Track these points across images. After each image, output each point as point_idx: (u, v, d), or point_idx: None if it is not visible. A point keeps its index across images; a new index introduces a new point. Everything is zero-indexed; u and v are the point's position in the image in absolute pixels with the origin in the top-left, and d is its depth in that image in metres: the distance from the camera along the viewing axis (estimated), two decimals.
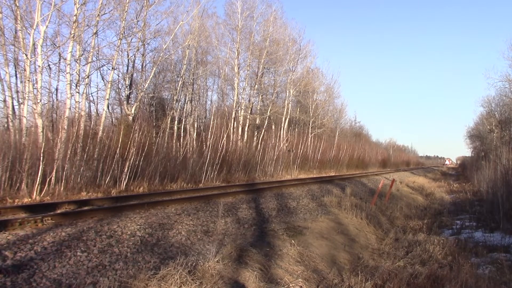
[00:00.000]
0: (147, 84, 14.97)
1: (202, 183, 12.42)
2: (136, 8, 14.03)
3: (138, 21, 13.86)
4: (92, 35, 11.71)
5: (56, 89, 12.93)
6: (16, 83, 11.92)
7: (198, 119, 20.44)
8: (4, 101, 11.62)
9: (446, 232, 9.91)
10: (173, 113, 16.64)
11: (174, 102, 17.29)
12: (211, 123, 14.84)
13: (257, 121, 22.13)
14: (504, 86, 26.89)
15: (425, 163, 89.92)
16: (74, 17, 10.71)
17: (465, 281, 5.13)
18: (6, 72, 11.60)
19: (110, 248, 4.72)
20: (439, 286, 5.19)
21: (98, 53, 12.64)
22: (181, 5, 18.51)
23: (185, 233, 5.88)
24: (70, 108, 10.60)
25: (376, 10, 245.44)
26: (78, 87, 11.38)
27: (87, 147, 9.53)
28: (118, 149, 10.03)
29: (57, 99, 12.88)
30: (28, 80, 9.91)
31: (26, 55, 9.99)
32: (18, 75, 11.94)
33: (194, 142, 15.92)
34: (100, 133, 11.23)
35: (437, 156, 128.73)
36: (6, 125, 11.17)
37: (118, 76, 14.96)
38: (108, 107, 13.87)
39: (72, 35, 10.65)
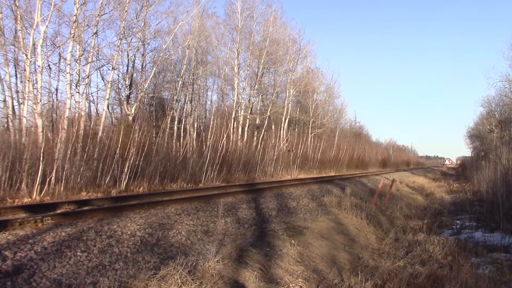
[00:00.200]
0: (147, 84, 14.97)
1: (202, 183, 12.42)
2: (136, 8, 14.05)
3: (138, 21, 13.87)
4: (92, 35, 11.71)
5: (56, 89, 12.96)
6: (16, 83, 11.95)
7: (198, 119, 20.45)
8: (4, 101, 11.62)
9: (446, 232, 9.91)
10: (173, 113, 16.64)
11: (174, 102, 17.30)
12: (211, 123, 14.84)
13: (257, 121, 22.13)
14: (504, 86, 26.92)
15: (425, 163, 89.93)
16: (74, 17, 10.71)
17: (465, 281, 5.13)
18: (6, 72, 11.62)
19: (110, 248, 4.72)
20: (439, 286, 5.19)
21: (98, 53, 12.66)
22: (181, 5, 18.60)
23: (185, 233, 5.88)
24: (70, 108, 10.59)
25: (376, 10, 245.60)
26: (78, 87, 11.39)
27: (87, 147, 9.53)
28: (118, 149, 10.03)
29: (57, 99, 12.90)
30: (28, 80, 9.91)
31: (26, 55, 9.99)
32: (18, 75, 11.96)
33: (194, 142, 15.92)
34: (100, 133, 11.23)
35: (437, 156, 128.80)
36: (6, 125, 11.17)
37: (118, 76, 14.99)
38: (108, 107, 13.89)
39: (72, 35, 10.65)
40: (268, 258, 5.59)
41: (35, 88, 10.04)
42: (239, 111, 20.09)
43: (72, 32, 10.66)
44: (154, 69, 15.27)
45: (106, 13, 11.98)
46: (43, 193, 7.75)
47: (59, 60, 11.61)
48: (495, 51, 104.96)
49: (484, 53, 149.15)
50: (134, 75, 15.85)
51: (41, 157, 7.95)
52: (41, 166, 7.92)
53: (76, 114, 10.86)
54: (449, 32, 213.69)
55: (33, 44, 10.08)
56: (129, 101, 14.94)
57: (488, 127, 35.49)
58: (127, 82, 15.16)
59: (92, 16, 11.54)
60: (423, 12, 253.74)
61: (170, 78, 17.82)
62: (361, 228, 9.00)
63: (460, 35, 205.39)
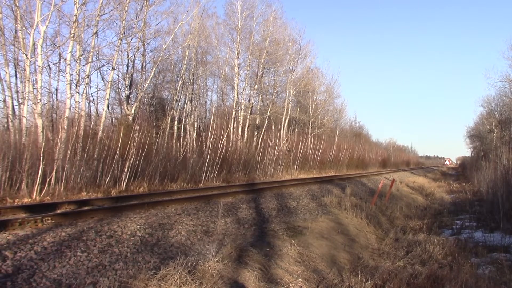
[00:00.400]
0: (147, 84, 14.97)
1: (202, 183, 12.42)
2: (136, 8, 14.06)
3: (138, 21, 13.87)
4: (92, 35, 11.72)
5: (56, 89, 12.96)
6: (16, 83, 11.96)
7: (198, 119, 20.45)
8: (4, 101, 11.62)
9: (446, 232, 9.91)
10: (173, 113, 16.64)
11: (174, 102, 17.30)
12: (211, 123, 14.84)
13: (257, 121, 22.13)
14: (504, 86, 26.92)
15: (425, 163, 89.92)
16: (74, 17, 10.71)
17: (465, 281, 5.13)
18: (6, 72, 11.62)
19: (110, 248, 4.72)
20: (439, 286, 5.19)
21: (98, 53, 12.66)
22: (181, 5, 18.62)
23: (185, 233, 5.88)
24: (70, 108, 10.59)
25: (376, 10, 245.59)
26: (78, 87, 11.39)
27: (87, 147, 9.53)
28: (118, 149, 10.03)
29: (57, 99, 12.91)
30: (28, 80, 9.91)
31: (26, 55, 9.99)
32: (18, 75, 11.96)
33: (194, 142, 15.92)
34: (100, 133, 11.23)
35: (437, 156, 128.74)
36: (6, 125, 11.17)
37: (118, 76, 14.99)
38: (108, 107, 13.89)
39: (72, 35, 10.65)
40: (268, 258, 5.59)
41: (35, 88, 10.04)
42: (239, 111, 20.09)
43: (72, 32, 10.66)
44: (154, 69, 15.28)
45: (106, 13, 12.00)
46: (43, 193, 7.75)
47: (59, 60, 11.63)
48: (495, 51, 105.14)
49: (484, 53, 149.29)
50: (134, 75, 15.87)
51: (41, 157, 7.95)
52: (41, 166, 7.92)
53: (76, 114, 10.86)
54: (449, 32, 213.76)
55: (33, 44, 10.08)
56: (129, 101, 14.94)
57: (488, 127, 35.50)
58: (127, 82, 15.16)
59: (92, 16, 11.55)
60: (423, 12, 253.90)
61: (170, 78, 17.83)
62: (361, 228, 9.00)
63: (460, 35, 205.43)
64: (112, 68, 13.00)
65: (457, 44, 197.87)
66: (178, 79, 17.21)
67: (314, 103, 26.86)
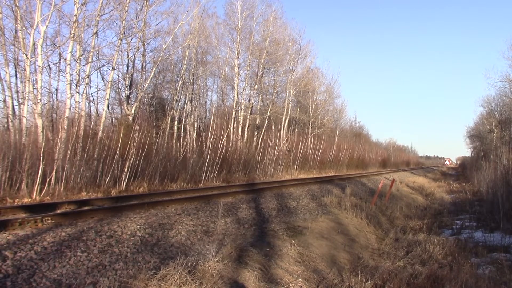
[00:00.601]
0: (147, 84, 14.97)
1: (202, 183, 12.42)
2: (136, 8, 14.05)
3: (138, 21, 13.87)
4: (92, 35, 11.71)
5: (56, 89, 12.96)
6: (16, 83, 11.95)
7: (198, 119, 20.45)
8: (4, 101, 11.62)
9: (446, 232, 9.91)
10: (173, 113, 16.64)
11: (174, 102, 17.30)
12: (211, 123, 14.84)
13: (257, 121, 22.13)
14: (504, 86, 26.90)
15: (425, 163, 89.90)
16: (74, 17, 10.71)
17: (465, 281, 5.13)
18: (6, 72, 11.62)
19: (110, 248, 4.72)
20: (439, 286, 5.19)
21: (98, 53, 12.66)
22: (181, 5, 18.61)
23: (185, 233, 5.88)
24: (70, 108, 10.59)
25: (376, 10, 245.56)
26: (78, 87, 11.39)
27: (87, 147, 9.53)
28: (118, 149, 10.03)
29: (57, 99, 12.91)
30: (28, 80, 9.91)
31: (26, 55, 9.99)
32: (18, 75, 11.96)
33: (194, 142, 15.92)
34: (100, 133, 11.23)
35: (437, 156, 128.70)
36: (6, 125, 11.17)
37: (118, 76, 14.99)
38: (108, 107, 13.89)
39: (72, 35, 10.65)
40: (268, 258, 5.59)
41: (35, 88, 10.04)
42: (239, 111, 20.09)
43: (72, 32, 10.67)
44: (154, 69, 15.28)
45: (106, 13, 12.00)
46: (43, 193, 7.75)
47: (59, 60, 11.64)
48: (495, 51, 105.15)
49: (484, 53, 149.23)
50: (134, 75, 15.87)
51: (41, 157, 7.95)
52: (41, 166, 7.92)
53: (76, 114, 10.86)
54: (449, 32, 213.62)
55: (33, 44, 10.09)
56: (129, 101, 14.94)
57: (488, 127, 35.49)
58: (127, 82, 15.16)
59: (92, 16, 11.55)
60: (423, 12, 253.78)
61: (170, 78, 17.83)
62: (361, 228, 9.00)
63: (460, 35, 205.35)
64: (112, 68, 13.00)
65: (457, 44, 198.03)
66: (178, 79, 17.21)
67: (314, 103, 26.87)
